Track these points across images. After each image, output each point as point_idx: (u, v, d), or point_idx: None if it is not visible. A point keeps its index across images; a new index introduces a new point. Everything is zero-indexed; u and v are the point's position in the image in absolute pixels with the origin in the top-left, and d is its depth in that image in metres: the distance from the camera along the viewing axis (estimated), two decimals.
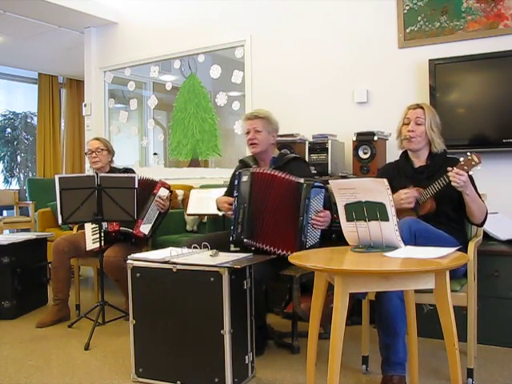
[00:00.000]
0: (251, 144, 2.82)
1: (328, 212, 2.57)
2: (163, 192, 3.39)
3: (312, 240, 2.55)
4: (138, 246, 3.34)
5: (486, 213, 2.34)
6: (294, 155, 2.96)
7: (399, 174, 2.52)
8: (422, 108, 2.47)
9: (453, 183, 2.18)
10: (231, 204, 2.72)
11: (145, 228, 3.29)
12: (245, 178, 2.65)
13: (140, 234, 3.27)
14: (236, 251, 2.67)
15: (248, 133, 2.83)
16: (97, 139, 3.60)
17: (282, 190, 2.58)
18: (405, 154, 2.58)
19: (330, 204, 2.59)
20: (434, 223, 2.26)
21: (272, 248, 2.55)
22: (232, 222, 2.66)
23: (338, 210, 2.01)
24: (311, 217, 2.53)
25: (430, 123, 2.44)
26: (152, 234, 3.39)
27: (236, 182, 2.69)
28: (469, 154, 2.18)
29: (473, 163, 2.16)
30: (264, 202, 2.60)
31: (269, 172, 2.62)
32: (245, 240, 2.57)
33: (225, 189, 3.09)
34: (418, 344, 2.16)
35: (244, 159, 2.98)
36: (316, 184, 2.55)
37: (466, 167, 2.17)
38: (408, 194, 2.34)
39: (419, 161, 2.51)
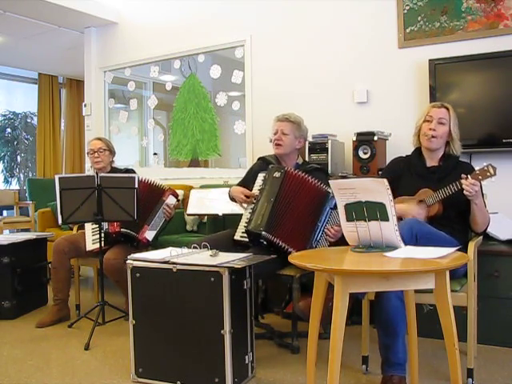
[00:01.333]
0: (276, 144, 2.88)
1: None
2: (171, 200, 3.39)
3: (322, 244, 2.63)
4: (138, 248, 3.34)
5: (488, 223, 2.35)
6: (317, 166, 3.02)
7: (410, 171, 2.52)
8: (446, 108, 2.44)
9: (465, 192, 2.17)
10: (248, 196, 2.77)
11: (149, 234, 3.29)
12: (277, 174, 2.71)
13: (144, 240, 3.27)
14: (242, 241, 2.70)
15: (276, 133, 2.89)
16: (99, 139, 3.60)
17: (311, 195, 2.66)
18: (418, 151, 2.55)
19: None
20: (436, 224, 2.26)
21: (285, 245, 2.60)
22: (251, 212, 2.69)
23: None
24: (327, 226, 2.63)
25: (454, 125, 2.42)
26: (154, 241, 3.39)
27: (265, 176, 2.76)
28: (485, 164, 2.17)
29: (488, 174, 2.15)
30: (291, 201, 2.66)
31: (302, 175, 2.69)
32: (263, 233, 2.60)
33: (225, 189, 3.09)
34: (418, 344, 2.16)
35: (265, 157, 3.02)
36: None
37: (480, 177, 2.16)
38: (421, 216, 2.33)
39: (432, 160, 2.49)
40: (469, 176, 2.17)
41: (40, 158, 7.83)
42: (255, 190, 2.78)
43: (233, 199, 2.93)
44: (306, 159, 3.51)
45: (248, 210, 2.77)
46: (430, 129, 2.41)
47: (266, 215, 2.63)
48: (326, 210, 2.64)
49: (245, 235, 2.70)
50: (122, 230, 3.23)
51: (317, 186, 2.67)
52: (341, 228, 2.54)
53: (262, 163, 2.97)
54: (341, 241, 2.11)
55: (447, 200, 2.31)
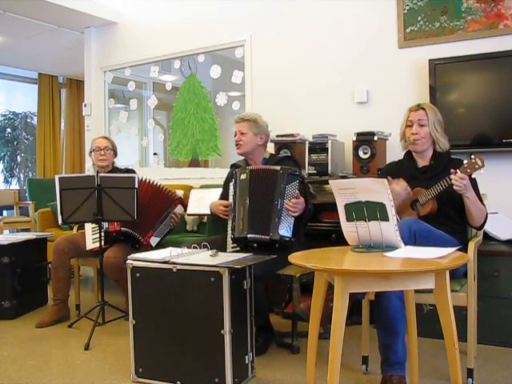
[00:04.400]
0: (236, 145, 2.92)
1: (302, 199, 2.65)
2: (179, 209, 3.43)
3: (285, 225, 2.63)
4: (139, 249, 3.34)
5: (486, 216, 2.34)
6: (284, 155, 3.05)
7: (402, 173, 2.52)
8: (423, 109, 2.46)
9: (454, 186, 2.18)
10: (226, 206, 2.81)
11: (154, 240, 3.32)
12: (243, 176, 2.75)
13: (146, 242, 3.28)
14: (235, 250, 2.69)
15: (235, 135, 2.92)
16: (105, 138, 3.66)
17: (271, 180, 2.69)
18: (409, 154, 2.57)
19: (305, 193, 2.71)
20: (435, 223, 2.26)
21: (264, 237, 2.62)
22: (232, 221, 2.73)
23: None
24: (286, 202, 2.63)
25: (433, 123, 2.43)
26: (157, 244, 3.40)
27: (234, 182, 2.79)
28: (472, 156, 2.17)
29: (476, 166, 2.15)
30: (261, 195, 2.69)
31: (265, 167, 2.75)
32: (248, 235, 2.63)
33: None
34: (418, 344, 2.16)
35: (236, 163, 3.05)
36: (291, 172, 2.68)
37: (468, 170, 2.16)
38: (402, 184, 2.31)
39: (423, 161, 2.51)
40: (458, 170, 2.17)
41: (40, 158, 7.83)
42: (230, 199, 2.81)
43: (215, 215, 2.93)
44: (306, 159, 3.52)
45: (229, 219, 2.80)
46: (412, 133, 2.44)
47: (245, 218, 2.67)
48: (279, 187, 2.65)
49: (235, 245, 2.73)
50: (122, 228, 3.23)
51: (272, 170, 2.70)
52: (299, 199, 2.61)
53: (233, 170, 2.97)
54: (341, 241, 2.10)
55: (441, 197, 2.32)
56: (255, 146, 2.91)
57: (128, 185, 2.97)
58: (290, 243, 2.61)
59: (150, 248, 3.28)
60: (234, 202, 2.75)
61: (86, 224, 3.35)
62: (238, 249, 2.71)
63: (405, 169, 2.53)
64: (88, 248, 3.28)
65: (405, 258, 1.78)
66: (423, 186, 2.38)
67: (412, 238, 2.06)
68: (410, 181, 2.41)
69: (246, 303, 2.28)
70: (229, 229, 2.79)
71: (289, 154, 3.05)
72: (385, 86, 3.71)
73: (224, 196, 2.97)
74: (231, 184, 2.84)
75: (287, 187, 2.65)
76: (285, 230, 2.62)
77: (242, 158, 3.04)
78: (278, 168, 2.69)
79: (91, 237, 3.31)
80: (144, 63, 5.11)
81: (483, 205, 2.34)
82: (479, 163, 2.14)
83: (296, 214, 2.64)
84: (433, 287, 1.75)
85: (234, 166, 3.03)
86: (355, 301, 2.23)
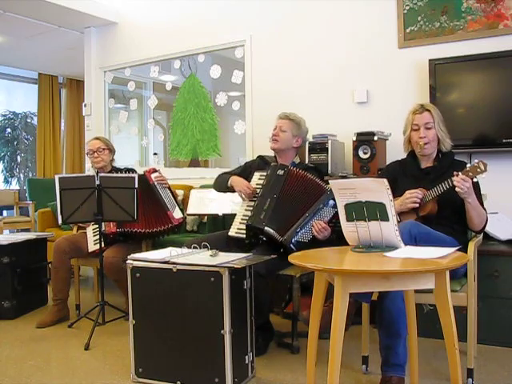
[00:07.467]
0: (273, 140, 2.95)
1: (329, 229, 2.64)
2: (155, 174, 3.39)
3: (300, 238, 2.63)
4: (137, 245, 3.34)
5: (486, 221, 2.34)
6: (313, 165, 3.08)
7: (405, 174, 2.52)
8: (427, 110, 2.43)
9: (457, 189, 2.17)
10: (252, 191, 2.80)
11: (177, 213, 3.33)
12: (280, 172, 2.78)
13: (178, 222, 3.32)
14: (236, 237, 2.71)
15: (274, 129, 2.96)
16: (97, 139, 3.60)
17: (310, 191, 2.71)
18: (412, 154, 2.55)
19: (335, 222, 2.65)
20: (435, 224, 2.26)
21: (279, 237, 2.63)
22: (252, 209, 2.73)
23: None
24: (315, 220, 2.63)
25: (438, 124, 2.41)
26: (183, 213, 3.46)
27: (267, 173, 2.81)
28: (476, 160, 2.16)
29: (478, 170, 2.14)
30: (291, 197, 2.71)
31: (304, 173, 2.76)
32: (266, 228, 2.64)
33: None
34: (418, 344, 2.16)
35: (264, 156, 3.07)
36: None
37: (470, 173, 2.15)
38: (413, 194, 2.33)
39: (427, 162, 2.49)
40: (459, 173, 2.17)
41: (40, 158, 7.83)
42: (253, 185, 2.83)
43: (231, 188, 2.90)
44: (306, 159, 3.52)
45: (244, 206, 2.81)
46: (421, 137, 2.40)
47: (268, 211, 2.67)
48: (317, 204, 2.66)
49: (241, 231, 2.73)
50: (118, 230, 3.23)
51: (317, 183, 2.73)
52: (328, 227, 2.59)
53: (261, 162, 3.02)
54: (341, 241, 2.10)
55: (442, 199, 2.31)
56: (289, 147, 2.95)
57: (128, 185, 2.97)
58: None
59: (183, 221, 3.40)
60: (261, 191, 2.77)
61: (87, 227, 3.35)
62: (244, 234, 2.71)
63: (408, 169, 2.53)
64: (90, 250, 3.28)
65: (405, 257, 1.78)
66: (426, 187, 2.37)
67: (412, 241, 2.06)
68: (412, 181, 2.41)
69: (246, 303, 2.28)
70: (240, 214, 2.80)
71: (316, 167, 3.04)
72: (385, 86, 3.71)
73: (240, 175, 2.97)
74: (257, 173, 2.87)
75: (324, 209, 2.65)
76: (297, 242, 2.62)
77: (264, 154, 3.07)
78: (329, 188, 2.66)
79: (93, 238, 3.31)
80: (144, 63, 5.11)
81: (484, 209, 2.33)
82: (482, 167, 2.13)
83: (318, 235, 2.62)
84: (433, 287, 1.75)
85: (261, 158, 3.06)
86: (360, 305, 2.22)
